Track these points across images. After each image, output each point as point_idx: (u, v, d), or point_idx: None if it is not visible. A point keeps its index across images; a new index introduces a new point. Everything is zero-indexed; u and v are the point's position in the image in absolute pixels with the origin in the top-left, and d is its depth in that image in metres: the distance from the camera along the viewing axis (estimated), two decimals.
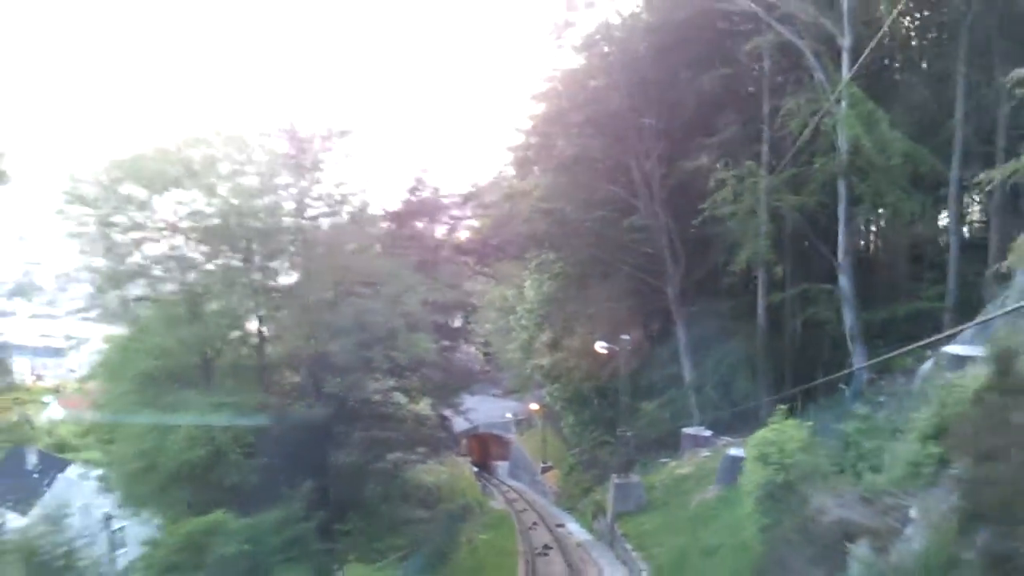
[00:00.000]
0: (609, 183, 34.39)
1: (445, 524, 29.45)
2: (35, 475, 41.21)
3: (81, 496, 32.02)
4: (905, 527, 7.57)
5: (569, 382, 39.16)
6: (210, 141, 25.68)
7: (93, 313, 28.67)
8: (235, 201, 24.98)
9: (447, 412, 38.22)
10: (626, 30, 33.62)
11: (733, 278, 30.64)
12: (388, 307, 25.66)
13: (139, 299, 25.82)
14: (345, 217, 29.13)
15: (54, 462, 41.89)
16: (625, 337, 34.11)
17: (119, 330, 28.40)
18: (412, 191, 35.08)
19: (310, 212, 28.52)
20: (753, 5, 28.03)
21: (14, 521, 28.94)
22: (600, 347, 27.24)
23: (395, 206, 34.72)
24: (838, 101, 24.86)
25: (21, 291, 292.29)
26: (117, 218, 24.51)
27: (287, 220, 27.44)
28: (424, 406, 33.61)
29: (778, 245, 28.83)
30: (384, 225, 34.26)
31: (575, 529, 30.63)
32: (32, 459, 42.28)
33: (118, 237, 24.57)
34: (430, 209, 35.97)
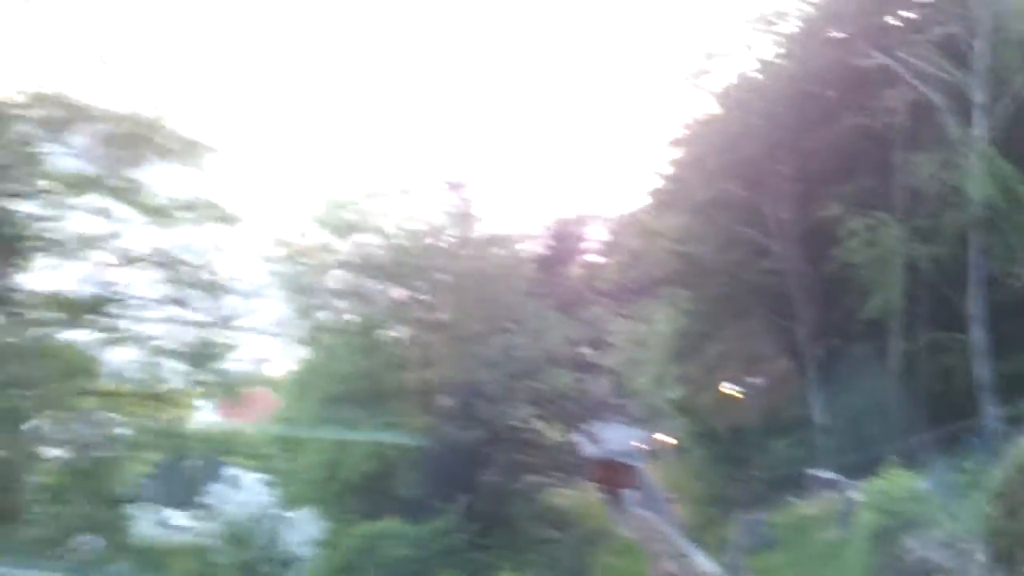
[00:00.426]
0: (743, 225, 36.15)
1: (577, 546, 31.92)
2: (200, 477, 45.94)
3: (246, 499, 36.15)
4: (971, 567, 9.56)
5: (699, 417, 40.94)
6: (383, 192, 29.80)
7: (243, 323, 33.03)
8: (403, 244, 28.89)
9: (577, 438, 40.76)
10: (766, 78, 35.55)
11: (864, 324, 31.79)
12: (532, 343, 28.82)
13: (323, 328, 30.15)
14: (495, 259, 32.59)
15: (216, 466, 46.47)
16: (754, 380, 35.96)
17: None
18: (555, 236, 38.43)
19: (465, 253, 32.09)
20: (888, 60, 29.65)
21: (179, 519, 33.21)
22: (728, 389, 28.96)
23: (539, 249, 38.13)
24: (970, 159, 26.14)
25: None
26: (307, 258, 28.83)
27: (445, 260, 31.10)
28: (557, 433, 36.34)
29: (910, 293, 29.85)
30: (529, 266, 37.48)
31: (702, 560, 32.41)
32: (195, 462, 47.09)
33: (309, 274, 28.94)
34: (571, 253, 39.10)
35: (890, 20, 32.15)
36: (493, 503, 29.33)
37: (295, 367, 32.53)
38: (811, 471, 31.01)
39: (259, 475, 36.03)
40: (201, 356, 19.20)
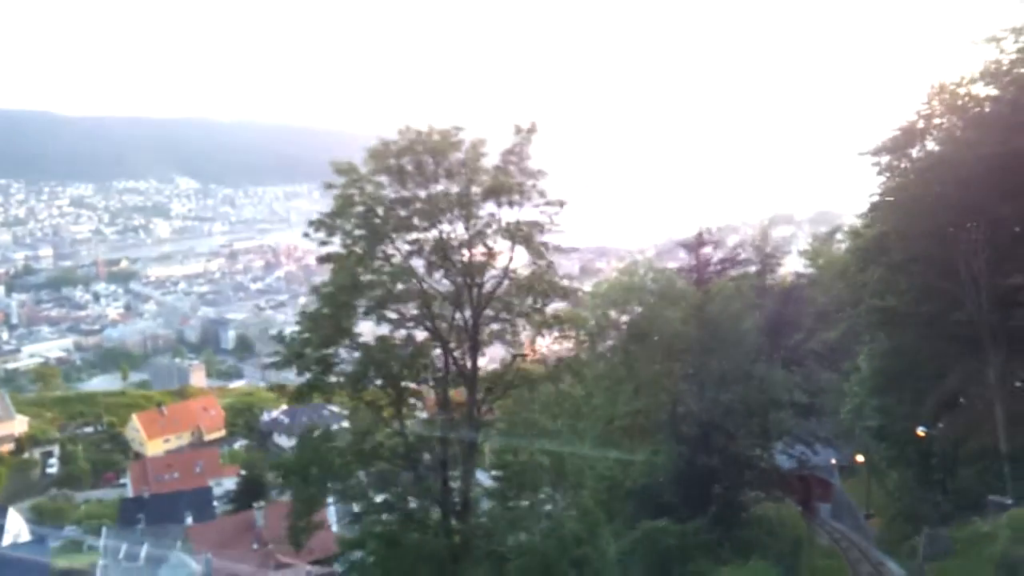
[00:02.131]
0: (938, 281, 43.74)
1: (790, 549, 41.25)
2: None
3: None
4: None
5: (895, 444, 48.73)
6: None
7: None
8: (661, 314, 39.76)
9: (785, 459, 50.21)
10: (959, 152, 42.96)
11: None
12: (759, 391, 38.70)
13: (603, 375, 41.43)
14: (731, 327, 43.01)
15: None
16: (946, 414, 43.71)
17: None
18: (783, 304, 48.18)
19: (707, 319, 42.72)
20: None
21: None
22: (920, 431, 37.28)
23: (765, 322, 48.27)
24: None
25: None
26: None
27: (696, 329, 41.70)
28: (772, 457, 45.99)
29: None
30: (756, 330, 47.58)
31: (892, 567, 40.87)
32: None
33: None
34: (794, 321, 48.71)
35: None
36: (726, 512, 39.52)
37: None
38: (990, 497, 38.77)
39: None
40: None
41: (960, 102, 42.93)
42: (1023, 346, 41.26)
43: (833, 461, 69.41)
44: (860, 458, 60.07)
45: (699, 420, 40.65)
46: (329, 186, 26.30)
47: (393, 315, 27.66)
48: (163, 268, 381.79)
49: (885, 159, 46.17)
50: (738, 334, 43.25)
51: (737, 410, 40.46)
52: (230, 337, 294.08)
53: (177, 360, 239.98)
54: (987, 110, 42.11)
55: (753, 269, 76.55)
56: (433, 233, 26.84)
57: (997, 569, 22.68)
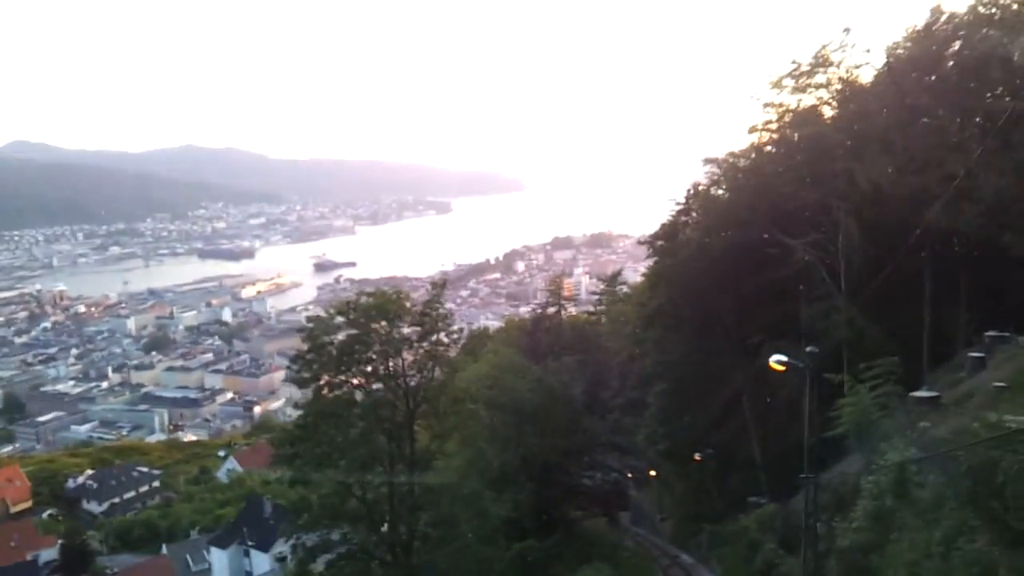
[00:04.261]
0: (703, 337, 58.15)
1: (609, 552, 54.05)
2: (271, 520, 67.54)
3: None
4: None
5: (679, 460, 62.88)
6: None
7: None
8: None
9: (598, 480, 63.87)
10: (711, 240, 57.58)
11: (784, 401, 53.86)
12: (585, 437, 51.57)
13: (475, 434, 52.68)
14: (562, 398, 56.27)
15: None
16: (715, 436, 58.25)
17: None
18: (596, 375, 61.94)
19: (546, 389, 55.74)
20: (789, 240, 51.69)
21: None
22: (696, 456, 50.97)
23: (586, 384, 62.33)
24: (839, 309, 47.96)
25: (157, 345, 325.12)
26: None
27: (533, 395, 54.49)
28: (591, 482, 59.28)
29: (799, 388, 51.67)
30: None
31: (685, 558, 54.47)
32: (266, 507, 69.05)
33: None
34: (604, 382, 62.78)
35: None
36: (565, 529, 52.04)
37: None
38: (752, 498, 52.93)
39: None
40: None
41: (710, 204, 57.80)
42: (765, 383, 56.03)
43: (629, 475, 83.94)
44: (653, 473, 74.48)
45: (543, 463, 52.98)
46: (301, 329, 36.49)
47: (353, 419, 37.99)
48: None
49: (658, 244, 60.77)
50: (567, 397, 56.33)
51: (570, 452, 53.44)
52: None
53: None
54: (727, 209, 56.97)
55: (551, 311, 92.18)
56: (381, 360, 37.61)
57: (747, 551, 35.31)
